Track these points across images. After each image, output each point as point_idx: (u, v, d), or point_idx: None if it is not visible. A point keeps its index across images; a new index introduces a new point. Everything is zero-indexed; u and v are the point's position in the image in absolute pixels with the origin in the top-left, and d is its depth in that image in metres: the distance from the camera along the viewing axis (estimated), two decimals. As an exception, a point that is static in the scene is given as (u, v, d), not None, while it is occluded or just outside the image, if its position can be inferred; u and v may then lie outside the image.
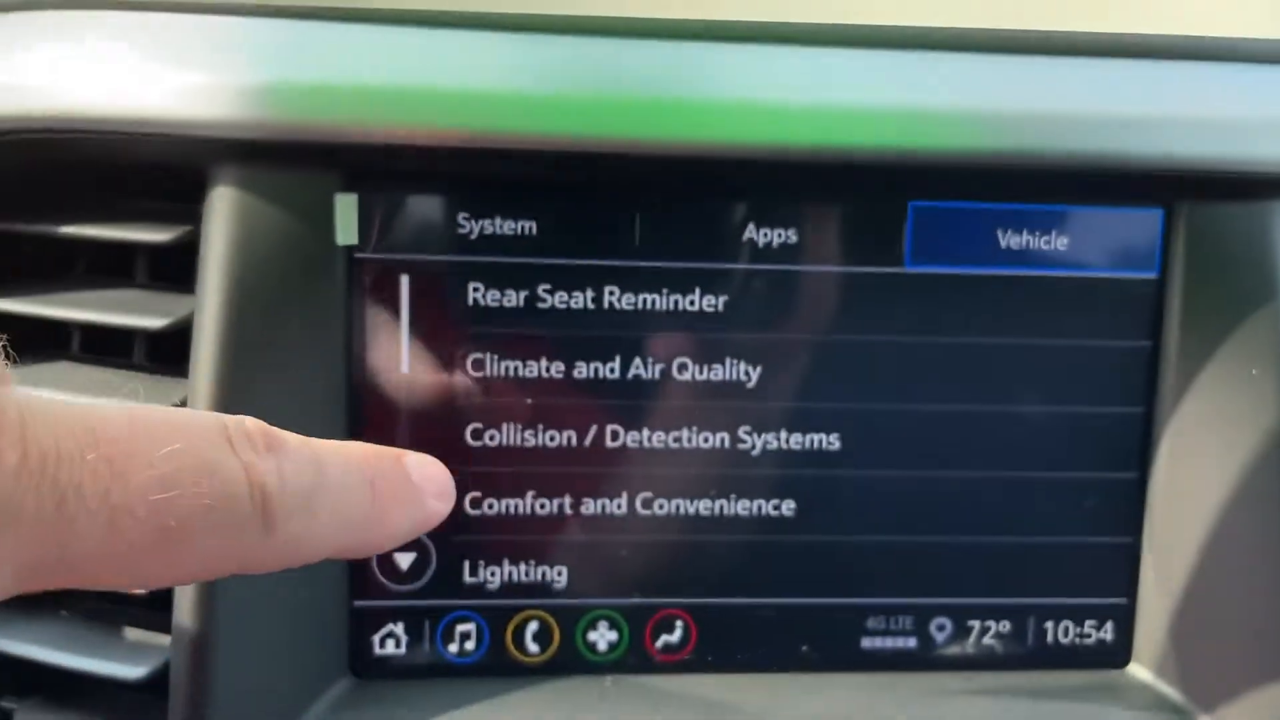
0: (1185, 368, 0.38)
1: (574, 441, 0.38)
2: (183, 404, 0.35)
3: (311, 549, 0.25)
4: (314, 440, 0.25)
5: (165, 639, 0.36)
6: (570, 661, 0.39)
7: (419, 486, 0.28)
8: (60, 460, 0.20)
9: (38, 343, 0.37)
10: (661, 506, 0.38)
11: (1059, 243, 0.38)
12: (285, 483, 0.23)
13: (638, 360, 0.38)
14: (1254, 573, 0.38)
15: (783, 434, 0.38)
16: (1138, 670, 0.40)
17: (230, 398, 0.34)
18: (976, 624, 0.40)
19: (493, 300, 0.37)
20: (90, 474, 0.20)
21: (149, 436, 0.21)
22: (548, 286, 0.37)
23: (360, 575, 0.38)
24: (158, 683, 0.35)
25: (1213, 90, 0.37)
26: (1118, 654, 0.41)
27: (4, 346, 0.22)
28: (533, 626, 0.39)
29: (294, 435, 0.25)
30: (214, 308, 0.34)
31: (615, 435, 0.38)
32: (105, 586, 0.25)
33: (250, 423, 0.24)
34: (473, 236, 0.37)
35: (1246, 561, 0.38)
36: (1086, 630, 0.40)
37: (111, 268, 0.39)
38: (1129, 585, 0.40)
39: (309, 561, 0.26)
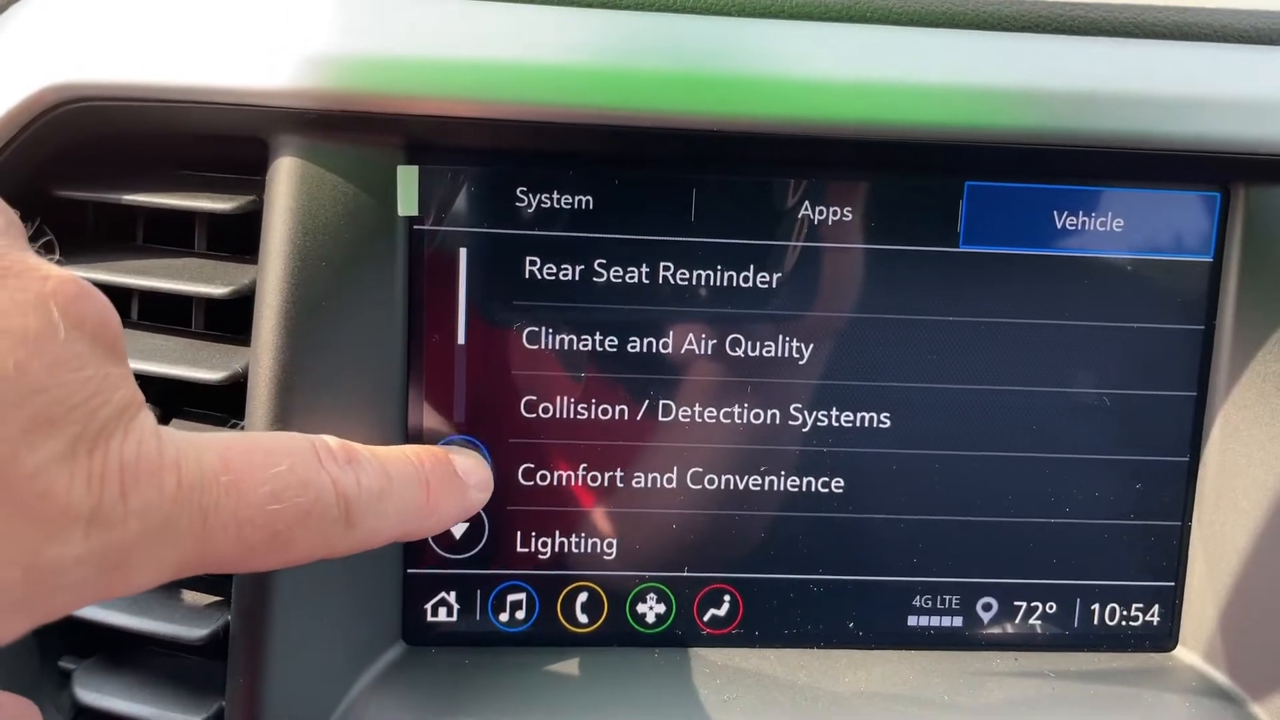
0: (1239, 352, 0.38)
1: (626, 415, 0.38)
2: (244, 371, 0.35)
3: (380, 537, 0.32)
4: (380, 449, 0.32)
5: (224, 602, 0.36)
6: (619, 633, 0.39)
7: (463, 480, 0.35)
8: (203, 486, 0.26)
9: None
10: (711, 481, 0.39)
11: (1114, 224, 0.38)
12: (362, 489, 0.30)
13: (691, 335, 0.38)
14: (1304, 558, 0.38)
15: (833, 411, 0.38)
16: (1185, 654, 0.40)
17: (291, 364, 0.34)
18: (1023, 604, 0.40)
19: (549, 274, 0.37)
20: (223, 493, 0.26)
21: (263, 459, 0.27)
22: (603, 261, 0.37)
23: (414, 544, 0.38)
24: (216, 644, 0.35)
25: (1273, 72, 0.36)
26: (1164, 637, 0.41)
27: None
28: (582, 597, 0.39)
29: (365, 447, 0.31)
30: (277, 275, 0.34)
31: (667, 410, 0.38)
32: (226, 572, 0.31)
33: (333, 441, 0.31)
34: (531, 210, 0.37)
35: (1297, 547, 0.38)
36: (1133, 613, 0.40)
37: (169, 238, 0.39)
38: (1177, 569, 0.40)
39: (377, 546, 0.32)
